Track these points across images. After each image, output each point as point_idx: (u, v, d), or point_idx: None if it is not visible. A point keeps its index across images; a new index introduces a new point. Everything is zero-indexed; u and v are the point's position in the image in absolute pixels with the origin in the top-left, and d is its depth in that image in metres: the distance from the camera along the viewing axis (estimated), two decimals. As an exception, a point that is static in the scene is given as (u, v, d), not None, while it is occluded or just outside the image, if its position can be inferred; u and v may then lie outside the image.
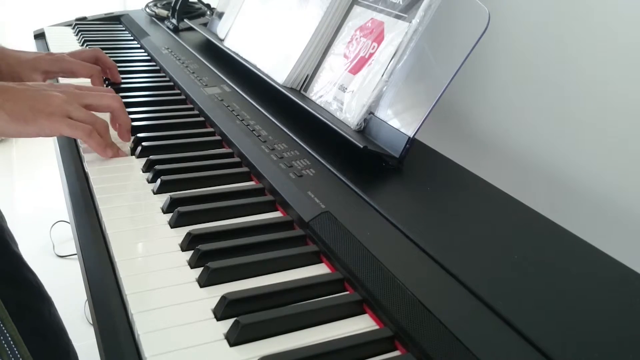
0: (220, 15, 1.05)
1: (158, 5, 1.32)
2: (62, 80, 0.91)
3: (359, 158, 0.63)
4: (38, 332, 0.81)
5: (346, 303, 0.45)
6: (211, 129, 0.77)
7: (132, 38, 1.23)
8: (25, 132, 0.63)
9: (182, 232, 0.53)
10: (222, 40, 1.00)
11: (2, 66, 0.84)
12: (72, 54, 0.88)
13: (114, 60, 0.94)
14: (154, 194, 0.61)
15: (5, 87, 0.63)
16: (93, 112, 0.68)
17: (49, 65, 0.86)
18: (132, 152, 0.71)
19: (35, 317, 0.82)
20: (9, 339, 0.76)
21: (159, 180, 0.62)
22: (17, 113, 0.62)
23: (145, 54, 1.11)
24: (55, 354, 0.83)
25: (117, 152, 0.69)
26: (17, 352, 0.76)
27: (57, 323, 0.86)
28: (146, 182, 0.64)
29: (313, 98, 0.74)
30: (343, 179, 0.59)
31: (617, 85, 0.65)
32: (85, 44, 1.15)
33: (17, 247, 0.87)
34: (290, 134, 0.70)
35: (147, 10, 1.34)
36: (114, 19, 1.39)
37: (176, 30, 1.19)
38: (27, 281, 0.83)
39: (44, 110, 0.63)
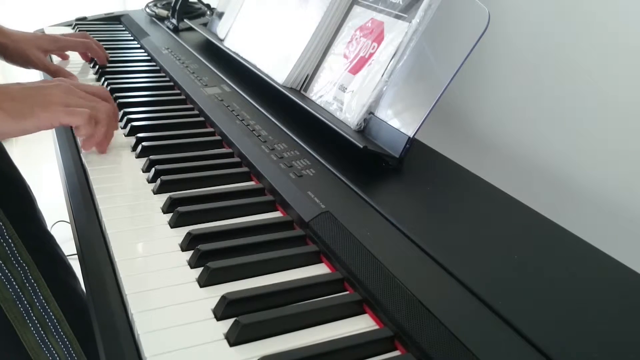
0: (220, 15, 1.05)
1: (158, 5, 1.32)
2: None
3: (359, 158, 0.63)
4: (76, 309, 0.82)
5: (346, 303, 0.45)
6: (211, 129, 0.77)
7: (132, 38, 1.23)
8: (25, 128, 0.62)
9: (182, 232, 0.53)
10: (222, 40, 1.00)
11: (8, 43, 0.90)
12: (64, 35, 1.00)
13: (114, 60, 1.01)
14: (154, 194, 0.61)
15: (3, 89, 0.63)
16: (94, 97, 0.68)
17: (49, 45, 0.94)
18: (133, 152, 0.71)
19: (72, 295, 0.83)
20: (52, 317, 0.77)
21: (159, 180, 0.62)
22: (15, 110, 0.61)
23: (145, 54, 1.11)
24: (92, 331, 0.83)
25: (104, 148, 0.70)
26: (60, 329, 0.78)
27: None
28: (146, 182, 0.64)
29: (313, 98, 0.74)
30: (343, 179, 0.59)
31: (617, 85, 0.65)
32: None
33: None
34: (290, 134, 0.70)
35: (147, 10, 1.34)
36: (114, 19, 1.39)
37: (176, 30, 1.19)
38: (61, 259, 0.85)
39: (41, 103, 0.63)
